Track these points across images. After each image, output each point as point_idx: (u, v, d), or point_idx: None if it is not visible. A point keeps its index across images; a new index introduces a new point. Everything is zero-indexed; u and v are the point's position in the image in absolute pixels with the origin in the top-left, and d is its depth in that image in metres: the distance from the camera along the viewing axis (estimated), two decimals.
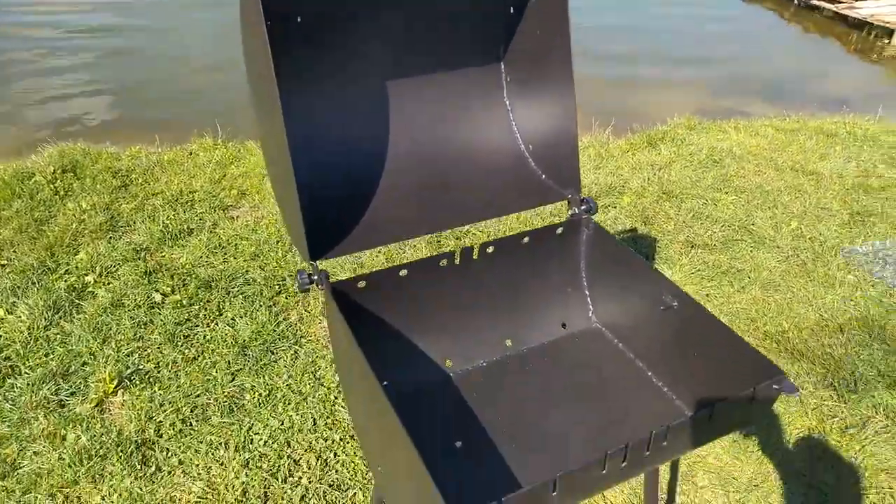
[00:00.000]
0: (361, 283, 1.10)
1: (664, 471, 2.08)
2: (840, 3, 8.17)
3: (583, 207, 1.29)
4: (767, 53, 7.36)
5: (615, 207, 3.51)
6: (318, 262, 1.08)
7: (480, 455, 1.01)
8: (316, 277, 1.07)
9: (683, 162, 4.05)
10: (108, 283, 2.73)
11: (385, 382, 0.85)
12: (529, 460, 1.02)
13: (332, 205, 1.14)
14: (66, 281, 2.73)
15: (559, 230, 1.28)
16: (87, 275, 2.78)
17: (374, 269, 1.12)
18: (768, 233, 3.35)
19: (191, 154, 3.95)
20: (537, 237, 1.27)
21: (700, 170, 3.96)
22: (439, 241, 3.00)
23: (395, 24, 1.18)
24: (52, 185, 3.46)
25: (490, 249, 1.21)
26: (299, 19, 1.09)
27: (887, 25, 7.49)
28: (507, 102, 1.38)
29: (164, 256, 2.92)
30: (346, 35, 1.16)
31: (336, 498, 1.92)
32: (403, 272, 1.14)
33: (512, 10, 1.27)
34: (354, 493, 1.94)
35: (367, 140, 1.23)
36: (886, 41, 7.45)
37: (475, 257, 1.20)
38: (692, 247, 3.21)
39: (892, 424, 2.24)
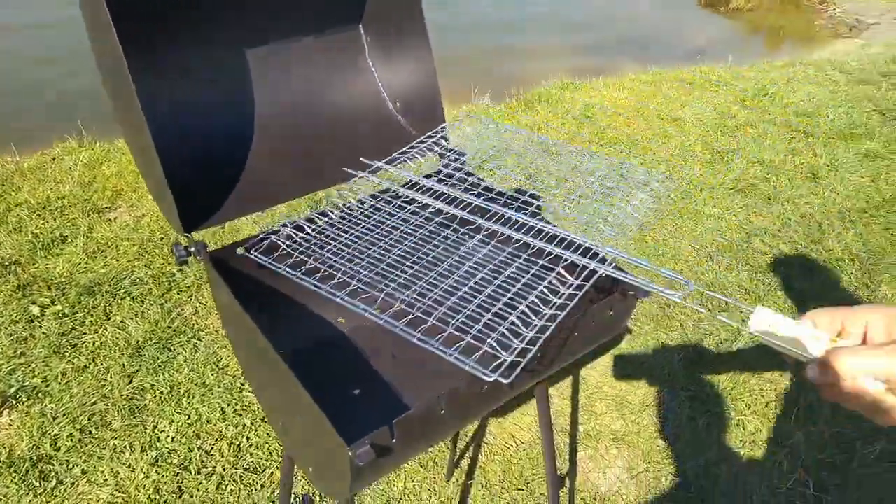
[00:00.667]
0: (240, 250, 1.11)
1: (566, 406, 2.23)
2: None
3: (450, 155, 1.35)
4: (629, 14, 7.76)
5: (500, 168, 3.62)
6: (192, 234, 1.07)
7: (377, 397, 1.05)
8: (193, 249, 1.07)
9: (560, 120, 4.24)
10: None
11: (275, 343, 0.87)
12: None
13: (202, 176, 1.13)
14: None
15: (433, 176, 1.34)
16: None
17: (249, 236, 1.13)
18: (641, 178, 3.58)
19: (54, 159, 3.69)
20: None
21: (575, 125, 4.16)
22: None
23: None
24: None
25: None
26: None
27: None
28: (370, 63, 1.41)
29: (37, 268, 2.74)
30: (197, 6, 1.14)
31: (253, 480, 1.92)
32: (284, 228, 1.15)
33: None
34: (272, 473, 1.94)
35: (232, 108, 1.22)
36: None
37: (352, 213, 1.23)
38: (573, 199, 3.38)
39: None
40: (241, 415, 2.10)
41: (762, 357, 2.39)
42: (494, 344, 0.96)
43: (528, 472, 1.99)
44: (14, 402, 2.13)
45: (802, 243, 3.07)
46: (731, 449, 2.08)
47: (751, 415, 2.19)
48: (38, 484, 1.88)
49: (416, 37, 1.31)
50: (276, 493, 1.89)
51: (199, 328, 2.43)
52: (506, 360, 0.88)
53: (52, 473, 1.92)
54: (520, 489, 1.94)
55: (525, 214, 1.11)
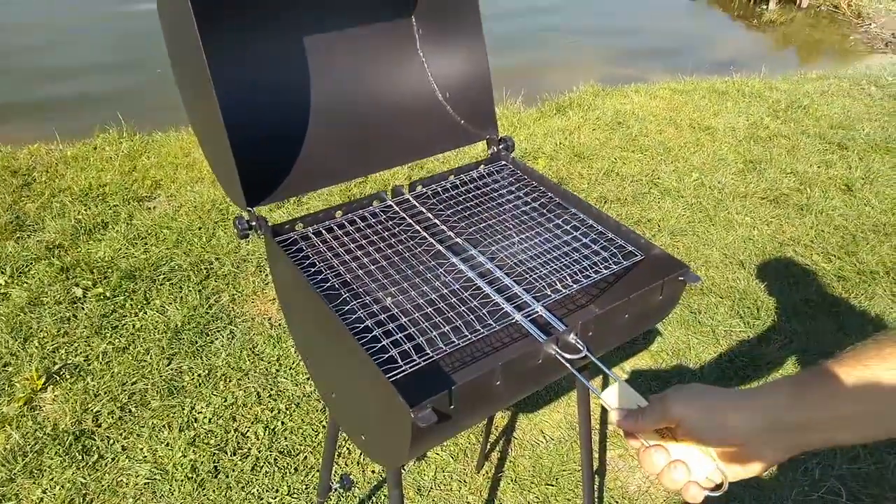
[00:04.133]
0: (299, 225, 1.15)
1: (595, 407, 2.24)
2: None
3: (501, 146, 1.38)
4: (661, 23, 7.74)
5: None
6: (254, 209, 1.11)
7: (431, 372, 1.08)
8: (254, 223, 1.11)
9: (591, 126, 4.25)
10: (23, 283, 2.62)
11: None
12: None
13: (264, 155, 1.17)
14: None
15: (481, 166, 1.36)
16: None
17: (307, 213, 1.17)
18: (673, 184, 3.59)
19: (95, 149, 3.79)
20: (461, 173, 1.35)
21: (607, 131, 4.17)
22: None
23: None
24: None
25: (419, 188, 1.28)
26: None
27: None
28: (421, 54, 1.45)
29: (79, 252, 2.82)
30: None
31: (288, 463, 1.96)
32: (339, 213, 1.19)
33: None
34: (305, 457, 1.98)
35: (292, 94, 1.26)
36: (765, 7, 8.00)
37: (406, 195, 1.26)
38: (605, 202, 3.39)
39: (789, 342, 2.49)
40: (275, 399, 2.14)
41: (793, 365, 2.38)
42: (546, 312, 0.98)
43: (558, 468, 2.00)
44: (58, 379, 2.20)
45: (836, 254, 3.05)
46: None
47: None
48: (80, 457, 1.94)
49: (468, 29, 1.34)
50: (309, 477, 1.92)
51: (235, 315, 2.49)
52: (557, 333, 0.91)
53: (94, 448, 1.97)
54: (549, 484, 1.95)
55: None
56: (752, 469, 0.66)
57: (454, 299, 1.05)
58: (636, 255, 1.10)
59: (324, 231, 1.16)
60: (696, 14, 8.18)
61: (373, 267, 1.10)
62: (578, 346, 0.92)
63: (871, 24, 7.65)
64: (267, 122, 1.22)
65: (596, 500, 1.92)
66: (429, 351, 0.93)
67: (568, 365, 0.89)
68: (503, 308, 1.00)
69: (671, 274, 1.01)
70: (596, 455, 2.06)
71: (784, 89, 5.04)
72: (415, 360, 0.91)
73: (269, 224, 1.11)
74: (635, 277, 1.14)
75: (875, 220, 3.33)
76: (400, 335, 0.96)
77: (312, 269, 1.09)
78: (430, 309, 1.03)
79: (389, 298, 1.06)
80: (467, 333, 0.96)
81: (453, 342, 0.95)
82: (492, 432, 2.06)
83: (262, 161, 1.16)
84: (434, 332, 0.97)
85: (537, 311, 1.00)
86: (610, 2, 8.36)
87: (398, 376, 0.88)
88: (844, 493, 1.95)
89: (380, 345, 0.94)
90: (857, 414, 0.58)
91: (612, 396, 0.78)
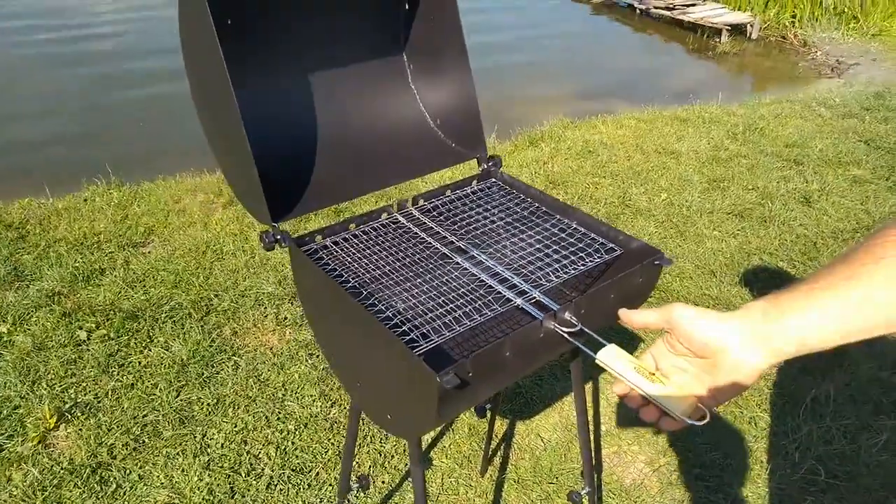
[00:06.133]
0: (318, 237, 1.29)
1: (587, 408, 2.37)
2: (674, 10, 9.19)
3: (490, 164, 1.54)
4: (619, 59, 8.14)
5: None
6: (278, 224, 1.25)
7: (451, 347, 1.21)
8: (279, 237, 1.24)
9: (563, 155, 4.48)
10: (26, 330, 2.69)
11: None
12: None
13: (280, 177, 1.32)
14: None
15: (474, 182, 1.53)
16: None
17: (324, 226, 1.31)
18: (644, 205, 3.80)
19: (86, 200, 3.88)
20: (457, 188, 1.51)
21: (578, 160, 4.39)
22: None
23: (316, 23, 1.39)
24: None
25: (421, 202, 1.44)
26: (229, 21, 1.27)
27: (715, 26, 8.53)
28: (413, 86, 1.62)
29: (80, 297, 2.90)
30: (275, 33, 1.36)
31: (301, 480, 2.04)
32: (352, 226, 1.34)
33: (407, 7, 1.52)
34: (317, 473, 2.07)
35: (303, 121, 1.42)
36: (718, 40, 8.47)
37: (409, 208, 1.42)
38: None
39: None
40: (284, 422, 2.24)
41: None
42: (542, 296, 1.13)
43: (557, 467, 2.12)
44: (69, 417, 2.26)
45: (799, 260, 3.26)
46: (745, 442, 2.21)
47: (762, 412, 2.33)
48: (98, 488, 2.01)
49: (454, 61, 1.52)
50: (322, 491, 2.01)
51: (238, 347, 2.58)
52: (554, 310, 1.06)
53: (111, 479, 2.04)
54: (550, 482, 2.06)
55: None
56: (741, 377, 0.76)
57: (462, 290, 1.19)
58: (617, 250, 1.26)
59: (340, 241, 1.30)
60: (652, 50, 8.62)
61: (387, 268, 1.25)
62: (573, 321, 1.06)
63: (817, 52, 8.14)
64: (282, 147, 1.37)
65: (596, 495, 2.03)
66: (445, 332, 1.07)
67: (565, 335, 1.03)
68: (505, 295, 1.15)
69: (647, 259, 1.17)
70: (592, 453, 2.17)
71: (741, 114, 5.35)
72: (433, 339, 1.04)
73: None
74: (618, 268, 1.29)
75: (833, 227, 3.57)
76: (418, 320, 1.10)
77: (334, 274, 1.22)
78: (441, 299, 1.17)
79: (405, 293, 1.20)
80: (476, 316, 1.10)
81: (465, 323, 1.08)
82: (493, 439, 2.17)
83: (279, 183, 1.31)
84: (448, 317, 1.11)
85: (535, 297, 1.14)
86: (566, 40, 8.75)
87: (421, 352, 1.01)
88: (823, 471, 2.09)
89: (401, 329, 1.07)
90: (822, 320, 0.70)
91: (606, 355, 0.92)
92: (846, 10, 8.98)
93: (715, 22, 8.56)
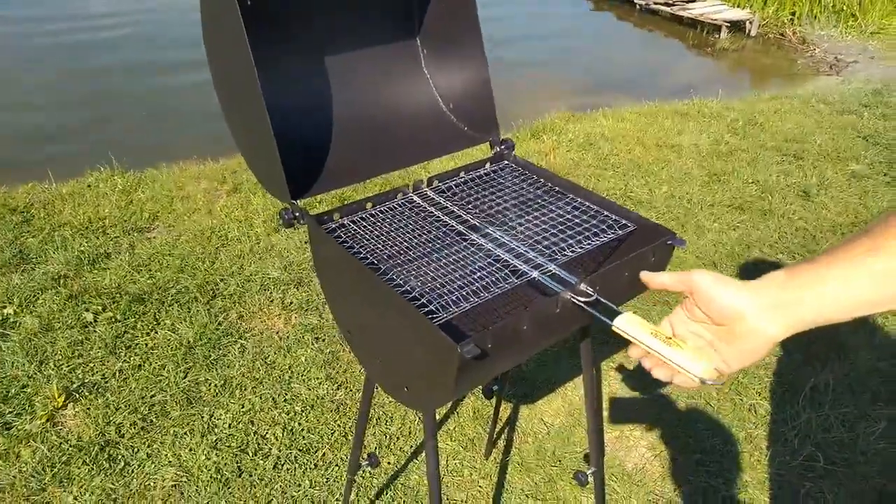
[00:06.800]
0: (336, 216, 1.31)
1: None
2: (674, 5, 9.21)
3: (503, 146, 1.56)
4: (622, 53, 8.16)
5: None
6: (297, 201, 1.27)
7: (471, 320, 1.24)
8: (298, 214, 1.27)
9: (565, 148, 4.51)
10: (33, 311, 2.70)
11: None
12: None
13: (301, 155, 1.34)
14: None
15: (488, 164, 1.55)
16: (4, 307, 2.72)
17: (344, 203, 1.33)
18: (645, 197, 3.83)
19: (90, 186, 3.89)
20: (470, 170, 1.53)
21: (580, 152, 4.42)
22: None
23: (334, 8, 1.42)
24: None
25: (436, 183, 1.46)
26: (249, 2, 1.29)
27: (714, 22, 8.55)
28: (426, 71, 1.64)
29: (85, 280, 2.91)
30: (293, 20, 1.38)
31: (307, 460, 2.07)
32: (369, 205, 1.36)
33: None
34: (323, 453, 2.09)
35: (320, 103, 1.44)
36: (717, 36, 8.50)
37: (425, 188, 1.45)
38: None
39: None
40: (291, 403, 2.26)
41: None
42: (558, 269, 1.16)
43: (560, 450, 2.15)
44: (77, 396, 2.28)
45: (799, 253, 3.29)
46: (745, 429, 2.25)
47: (762, 400, 2.36)
48: (107, 465, 2.03)
49: (468, 46, 1.54)
50: (329, 471, 2.03)
51: (244, 330, 2.61)
52: (572, 282, 1.08)
53: (119, 456, 2.06)
54: (554, 465, 2.10)
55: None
56: (756, 346, 0.78)
57: (478, 265, 1.22)
58: (630, 226, 1.29)
59: (357, 220, 1.32)
60: (652, 46, 8.64)
61: (403, 245, 1.27)
62: (589, 291, 1.09)
63: (815, 49, 8.17)
64: (300, 128, 1.39)
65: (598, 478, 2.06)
66: (464, 303, 1.09)
67: (582, 304, 1.06)
68: (521, 269, 1.18)
69: (660, 239, 1.20)
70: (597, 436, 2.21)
71: (741, 109, 5.38)
72: (452, 310, 1.07)
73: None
74: (631, 245, 1.32)
75: (832, 221, 3.60)
76: (435, 293, 1.12)
77: (352, 251, 1.25)
78: (458, 273, 1.19)
79: (422, 268, 1.22)
80: (495, 289, 1.12)
81: (484, 295, 1.11)
82: (497, 422, 2.20)
83: (297, 162, 1.33)
84: (466, 289, 1.13)
85: (552, 269, 1.17)
86: (567, 35, 8.77)
87: (438, 323, 1.04)
88: (821, 458, 2.13)
89: (420, 302, 1.10)
90: (843, 291, 0.71)
91: (623, 322, 0.95)
92: (845, 7, 9.01)
93: (714, 18, 8.59)
